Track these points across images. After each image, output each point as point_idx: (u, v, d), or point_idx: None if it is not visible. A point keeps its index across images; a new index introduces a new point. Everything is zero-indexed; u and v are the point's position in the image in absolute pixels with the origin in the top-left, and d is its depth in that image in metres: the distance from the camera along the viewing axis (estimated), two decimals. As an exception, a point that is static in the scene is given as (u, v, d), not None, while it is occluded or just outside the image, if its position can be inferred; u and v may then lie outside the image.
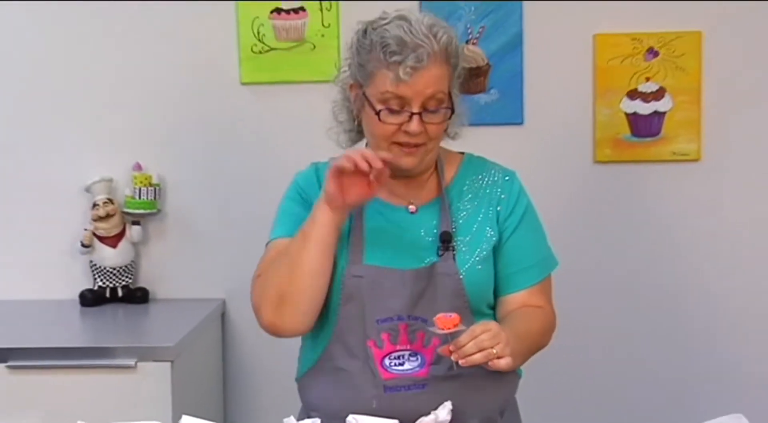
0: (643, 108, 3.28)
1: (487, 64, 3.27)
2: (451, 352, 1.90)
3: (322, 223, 2.03)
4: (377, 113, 2.06)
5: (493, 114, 3.26)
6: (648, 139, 3.30)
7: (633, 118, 3.29)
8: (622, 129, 3.30)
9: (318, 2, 3.27)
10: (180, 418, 2.04)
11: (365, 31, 2.10)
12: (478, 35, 3.26)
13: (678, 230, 3.34)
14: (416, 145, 2.09)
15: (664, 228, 3.34)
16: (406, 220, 2.18)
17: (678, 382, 3.35)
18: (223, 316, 3.38)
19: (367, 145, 2.21)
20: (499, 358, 1.90)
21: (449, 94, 2.09)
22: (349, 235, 2.15)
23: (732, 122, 3.29)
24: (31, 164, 3.36)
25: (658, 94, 3.28)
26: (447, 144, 2.24)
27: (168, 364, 2.81)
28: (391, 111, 2.06)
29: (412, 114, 2.05)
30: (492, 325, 1.94)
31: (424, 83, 2.03)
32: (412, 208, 2.19)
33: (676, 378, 3.35)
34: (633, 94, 3.28)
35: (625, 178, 3.33)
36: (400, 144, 2.09)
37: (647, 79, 3.28)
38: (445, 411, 1.99)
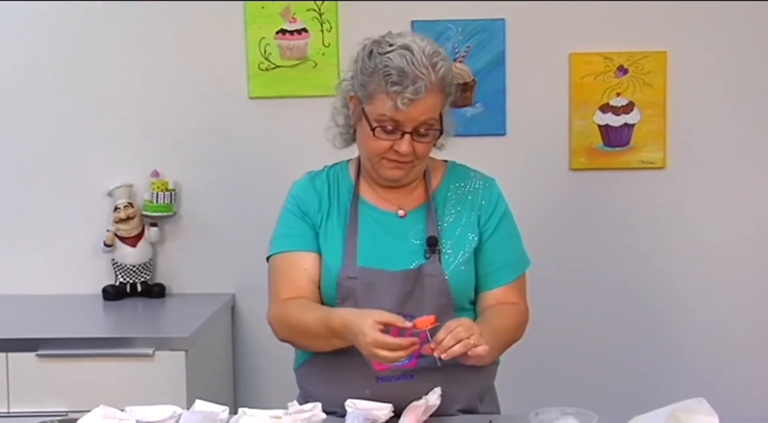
0: (614, 120, 3.29)
1: (473, 80, 3.27)
2: (432, 350, 1.90)
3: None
4: (372, 130, 2.06)
5: (479, 125, 3.26)
6: (618, 148, 3.30)
7: (605, 130, 3.30)
8: (595, 139, 3.30)
9: (319, 24, 3.27)
10: (194, 402, 2.04)
11: (371, 53, 2.07)
12: (464, 54, 3.27)
13: (645, 231, 3.34)
14: (404, 162, 2.09)
15: (632, 229, 3.34)
16: (396, 225, 2.17)
17: (643, 370, 3.36)
18: (233, 309, 3.38)
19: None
20: (475, 346, 1.90)
21: (440, 117, 2.09)
22: (344, 233, 2.15)
23: (694, 133, 3.30)
24: (59, 172, 3.35)
25: (628, 108, 3.28)
26: (433, 153, 2.22)
27: (183, 353, 2.81)
28: (385, 130, 2.06)
29: (404, 133, 2.05)
30: (465, 319, 1.96)
31: (419, 112, 2.03)
32: (401, 212, 2.18)
33: (641, 366, 3.36)
34: (605, 108, 3.29)
35: (598, 184, 3.33)
36: (389, 158, 2.09)
37: (618, 94, 3.28)
38: (435, 396, 2.00)
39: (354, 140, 2.22)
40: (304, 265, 2.16)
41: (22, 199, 3.37)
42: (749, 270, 3.35)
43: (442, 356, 1.90)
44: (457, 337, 1.89)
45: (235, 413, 2.01)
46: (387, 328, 1.97)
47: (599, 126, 3.30)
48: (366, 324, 1.88)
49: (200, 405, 2.03)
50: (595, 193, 3.34)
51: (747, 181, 3.32)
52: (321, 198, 2.20)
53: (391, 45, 2.05)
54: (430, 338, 1.92)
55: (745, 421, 1.99)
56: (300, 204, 2.20)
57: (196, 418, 1.96)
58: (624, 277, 3.35)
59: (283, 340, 2.17)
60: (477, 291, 2.21)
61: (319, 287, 2.16)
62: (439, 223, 2.16)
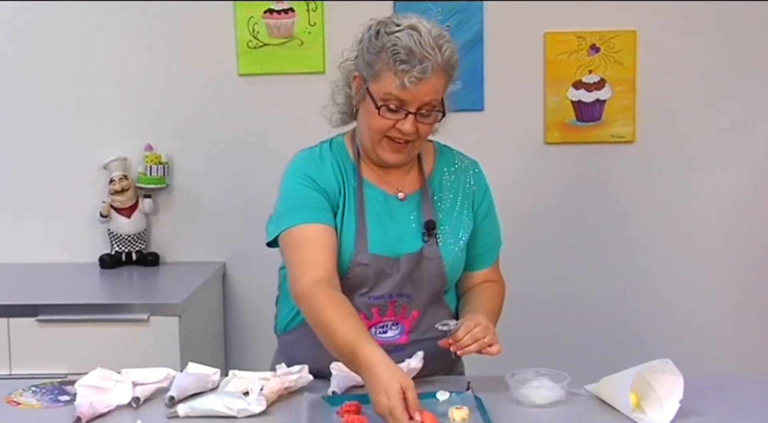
0: (587, 96, 3.29)
1: (453, 58, 3.25)
2: (449, 345, 1.94)
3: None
4: (378, 108, 1.99)
5: (458, 101, 3.18)
6: (590, 123, 3.30)
7: (578, 105, 3.30)
8: (568, 115, 3.30)
9: (305, 3, 3.25)
10: (187, 364, 2.05)
11: (377, 33, 2.00)
12: (444, 33, 3.25)
13: (614, 201, 3.36)
14: (406, 142, 2.03)
15: (603, 200, 3.36)
16: (397, 208, 2.12)
17: (612, 333, 3.38)
18: (224, 277, 3.37)
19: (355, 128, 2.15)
20: (489, 345, 1.93)
21: (443, 100, 2.04)
22: (354, 216, 2.08)
23: (662, 109, 3.31)
24: (57, 146, 3.34)
25: (599, 85, 3.28)
26: None
27: (176, 319, 2.81)
28: (390, 109, 1.99)
29: (408, 113, 1.99)
30: (481, 318, 1.97)
31: (425, 92, 1.97)
32: (401, 195, 2.12)
33: (610, 330, 3.38)
34: (578, 85, 3.29)
35: (571, 157, 3.34)
36: (390, 138, 2.03)
37: (590, 72, 3.28)
38: (416, 360, 2.01)
39: (352, 119, 2.15)
40: (326, 239, 2.03)
41: (21, 173, 3.36)
42: (711, 237, 3.37)
43: (458, 352, 1.94)
44: (474, 337, 1.93)
45: (226, 375, 2.02)
46: (385, 310, 2.03)
47: (572, 102, 3.30)
48: (393, 388, 1.72)
49: (193, 367, 2.03)
50: (568, 166, 3.34)
51: (710, 155, 3.33)
52: (336, 175, 2.10)
53: (398, 25, 1.98)
54: (449, 334, 1.96)
55: (706, 379, 2.00)
56: (313, 177, 2.08)
57: (188, 380, 1.97)
58: (594, 245, 3.37)
59: (313, 323, 1.96)
60: (464, 270, 2.20)
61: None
62: (436, 208, 2.13)
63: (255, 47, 3.29)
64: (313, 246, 2.00)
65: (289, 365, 2.00)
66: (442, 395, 1.91)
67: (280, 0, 3.26)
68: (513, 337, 3.28)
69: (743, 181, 3.34)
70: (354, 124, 2.16)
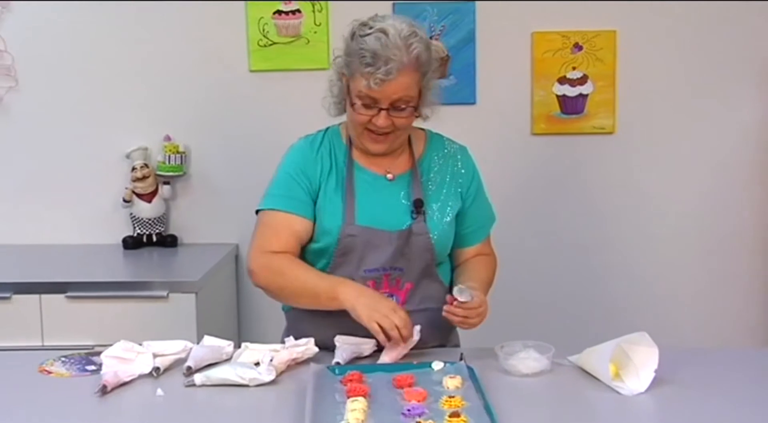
0: (571, 91, 3.28)
1: (447, 55, 3.25)
2: (453, 301, 1.99)
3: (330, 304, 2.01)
4: (352, 105, 2.03)
5: (452, 95, 3.25)
6: (574, 115, 3.30)
7: (562, 99, 3.29)
8: (553, 108, 3.29)
9: (311, 4, 3.24)
10: (203, 337, 2.05)
11: (353, 35, 2.01)
12: (439, 32, 3.25)
13: (595, 187, 3.36)
14: (386, 133, 2.04)
15: (585, 186, 3.36)
16: (386, 187, 2.12)
17: (593, 308, 3.38)
18: (237, 257, 3.37)
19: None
20: (472, 325, 2.01)
21: (420, 94, 2.03)
22: (342, 193, 2.09)
23: (640, 103, 3.30)
24: (84, 137, 3.34)
25: (582, 80, 3.28)
26: (416, 122, 2.18)
27: (193, 295, 2.82)
28: (364, 105, 2.01)
29: (380, 110, 2.00)
30: (482, 306, 2.02)
31: (392, 90, 1.97)
32: (390, 176, 2.13)
33: (592, 305, 3.39)
34: (562, 80, 3.28)
35: (556, 147, 3.33)
36: (370, 130, 2.04)
37: (574, 68, 3.27)
38: (415, 333, 2.00)
39: (345, 110, 2.15)
40: (296, 227, 2.08)
41: (52, 162, 3.35)
42: (684, 220, 3.37)
43: (455, 321, 2.01)
44: (466, 321, 1.99)
45: (239, 347, 2.02)
46: (380, 282, 2.06)
47: (557, 96, 3.29)
48: (390, 305, 1.96)
49: (208, 340, 2.04)
50: (553, 155, 3.34)
51: (684, 144, 3.33)
52: (323, 161, 2.12)
53: (371, 28, 1.98)
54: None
55: (679, 350, 2.01)
56: (302, 167, 2.11)
57: (204, 352, 1.97)
58: (577, 227, 3.37)
59: (263, 287, 2.10)
60: (458, 246, 2.21)
61: (304, 249, 2.12)
62: (424, 188, 2.13)
63: (265, 46, 3.28)
64: (282, 228, 2.08)
65: (296, 338, 2.01)
66: (437, 365, 1.91)
67: (289, 1, 3.25)
68: (502, 313, 3.30)
69: (714, 168, 3.34)
70: None
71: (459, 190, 2.17)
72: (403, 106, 2.01)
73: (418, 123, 2.20)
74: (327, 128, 2.20)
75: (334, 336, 2.00)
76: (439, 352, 2.07)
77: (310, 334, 2.03)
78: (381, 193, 2.12)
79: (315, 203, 2.10)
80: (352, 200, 2.08)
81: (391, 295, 2.09)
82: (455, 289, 1.99)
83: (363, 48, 1.96)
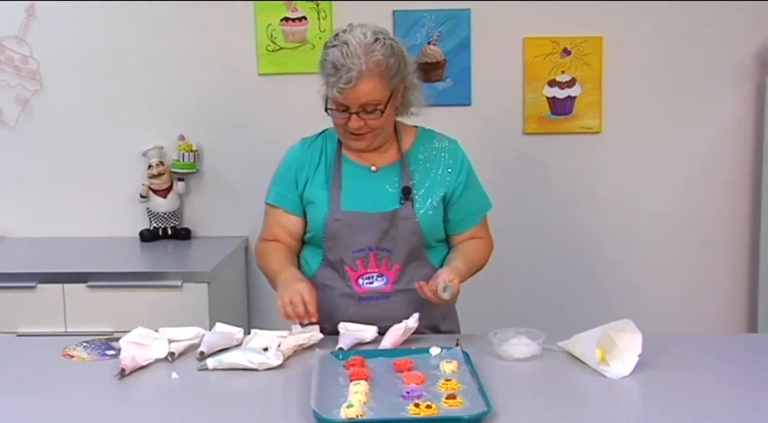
0: (560, 93, 3.28)
1: (444, 59, 3.25)
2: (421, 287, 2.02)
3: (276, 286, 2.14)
4: (330, 110, 2.08)
5: (449, 97, 3.25)
6: (563, 116, 3.29)
7: (552, 101, 3.28)
8: (544, 109, 3.29)
9: (316, 13, 3.24)
10: (214, 324, 2.05)
11: (325, 46, 2.07)
12: (437, 38, 3.24)
13: (583, 182, 3.35)
14: (363, 133, 2.08)
15: (573, 182, 3.35)
16: (370, 177, 2.16)
17: (581, 297, 3.38)
18: (246, 249, 3.36)
19: None
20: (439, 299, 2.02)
21: (390, 97, 2.05)
22: (329, 185, 2.14)
23: (625, 104, 3.29)
24: (103, 137, 3.33)
25: (571, 83, 3.27)
26: (405, 120, 2.22)
27: (205, 285, 2.82)
28: (338, 110, 2.06)
29: (351, 114, 2.04)
30: (447, 274, 2.04)
31: (356, 96, 2.01)
32: (373, 168, 2.17)
33: (579, 294, 3.38)
34: (552, 83, 3.27)
35: (546, 145, 3.33)
36: (349, 131, 2.09)
37: (563, 72, 3.26)
38: (413, 320, 2.01)
39: None
40: (284, 221, 2.20)
41: (74, 160, 3.35)
42: (667, 214, 3.36)
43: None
44: (437, 295, 2.00)
45: (249, 334, 2.02)
46: (367, 262, 2.09)
47: (547, 98, 3.28)
48: (295, 288, 2.02)
49: (220, 327, 2.04)
50: (543, 153, 3.33)
51: (666, 142, 3.32)
52: (312, 157, 2.19)
53: (335, 40, 2.04)
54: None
55: (661, 336, 2.01)
56: (292, 166, 2.21)
57: (216, 338, 1.97)
58: (566, 220, 3.36)
59: (260, 269, 2.27)
60: (452, 232, 2.22)
61: (296, 238, 2.22)
62: (412, 177, 2.15)
63: (273, 50, 3.27)
64: (274, 222, 2.23)
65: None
66: (434, 350, 1.91)
67: (295, 9, 3.25)
68: (496, 301, 3.32)
69: (694, 165, 3.33)
70: None
71: (447, 179, 2.18)
72: (372, 109, 2.04)
73: (410, 120, 2.22)
74: (325, 129, 2.25)
75: (335, 316, 2.05)
76: (437, 338, 2.07)
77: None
78: (366, 182, 2.15)
79: (302, 199, 2.19)
80: (338, 190, 2.14)
81: (381, 275, 2.11)
82: (440, 286, 2.00)
83: (326, 59, 2.03)
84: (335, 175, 2.15)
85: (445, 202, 2.17)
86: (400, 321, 2.00)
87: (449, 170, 2.18)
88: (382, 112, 2.06)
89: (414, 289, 2.05)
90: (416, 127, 2.25)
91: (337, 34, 2.05)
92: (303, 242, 2.23)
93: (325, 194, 2.14)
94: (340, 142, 2.19)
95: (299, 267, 2.21)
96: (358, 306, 2.10)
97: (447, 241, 2.24)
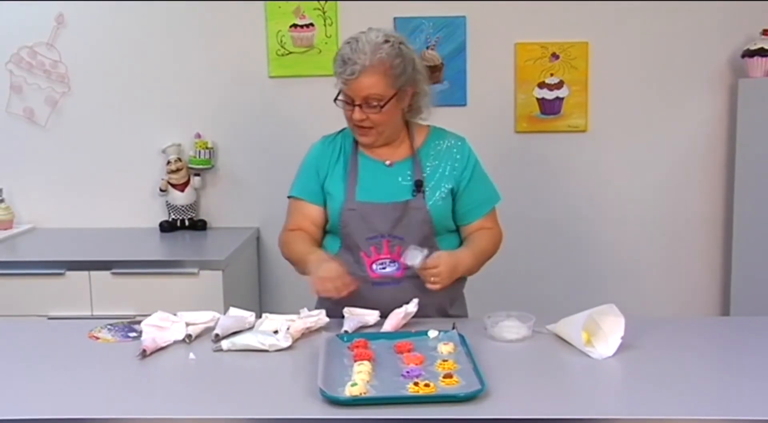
0: (549, 94, 3.26)
1: (441, 63, 3.24)
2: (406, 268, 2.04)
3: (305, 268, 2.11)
4: (335, 101, 2.10)
5: (446, 98, 3.23)
6: (552, 116, 3.28)
7: (542, 102, 3.27)
8: (534, 109, 3.27)
9: (323, 20, 3.22)
10: (228, 309, 2.05)
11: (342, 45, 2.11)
12: (434, 43, 3.23)
13: (570, 177, 3.34)
14: (368, 127, 2.10)
15: (562, 177, 3.34)
16: (385, 171, 2.17)
17: (569, 284, 3.38)
18: (258, 238, 3.37)
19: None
20: (433, 283, 2.02)
21: (394, 94, 2.06)
22: (345, 177, 2.15)
23: (609, 105, 3.28)
24: (126, 135, 3.33)
25: (559, 85, 3.25)
26: (417, 120, 2.22)
27: (220, 272, 2.81)
28: (345, 102, 2.09)
29: (355, 106, 2.06)
30: (443, 261, 2.04)
31: (359, 88, 2.04)
32: (388, 162, 2.18)
33: (568, 281, 3.38)
34: (542, 85, 3.26)
35: (536, 143, 3.32)
36: (356, 125, 2.11)
37: (551, 75, 3.25)
38: (412, 305, 2.00)
39: None
40: (308, 211, 2.20)
41: (99, 157, 3.35)
42: (648, 206, 3.35)
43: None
44: (431, 273, 2.01)
45: (260, 317, 2.02)
46: (380, 248, 2.09)
47: (537, 99, 3.27)
48: (334, 267, 2.02)
49: (233, 311, 2.03)
50: (534, 150, 3.32)
51: (647, 141, 3.31)
52: (332, 153, 2.20)
53: (351, 38, 2.08)
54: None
55: (643, 320, 2.00)
56: (314, 162, 2.21)
57: (230, 321, 1.97)
58: (555, 213, 3.36)
59: (285, 257, 2.23)
60: (461, 223, 2.22)
61: (318, 227, 2.21)
62: (423, 170, 2.16)
63: (282, 55, 3.26)
64: (299, 213, 2.21)
65: (319, 304, 2.10)
66: (432, 333, 1.90)
67: (303, 16, 3.23)
68: (490, 287, 3.31)
69: (672, 161, 3.32)
70: None
71: (454, 173, 2.18)
72: (374, 104, 2.06)
73: (423, 121, 2.23)
74: (344, 128, 2.25)
75: (351, 300, 2.04)
76: (434, 322, 2.06)
77: (327, 300, 2.08)
78: (380, 175, 2.16)
79: (323, 191, 2.18)
80: (354, 182, 2.15)
81: (393, 262, 2.11)
82: (404, 255, 2.03)
83: (340, 52, 2.07)
84: (352, 169, 2.16)
85: (453, 194, 2.18)
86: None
87: (457, 165, 2.19)
88: (382, 107, 2.07)
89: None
90: (428, 126, 2.26)
91: (354, 36, 2.09)
92: (324, 232, 2.23)
93: (342, 186, 2.15)
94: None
95: None
96: (372, 290, 2.10)
97: (457, 232, 2.24)
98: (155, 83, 3.30)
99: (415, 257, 2.02)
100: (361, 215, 2.11)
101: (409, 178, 2.16)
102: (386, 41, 2.05)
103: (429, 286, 2.02)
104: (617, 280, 3.37)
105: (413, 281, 2.07)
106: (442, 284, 2.03)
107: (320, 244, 2.21)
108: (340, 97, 2.10)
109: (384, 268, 2.11)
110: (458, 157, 2.20)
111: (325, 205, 2.19)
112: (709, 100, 3.28)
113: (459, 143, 2.23)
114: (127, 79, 3.30)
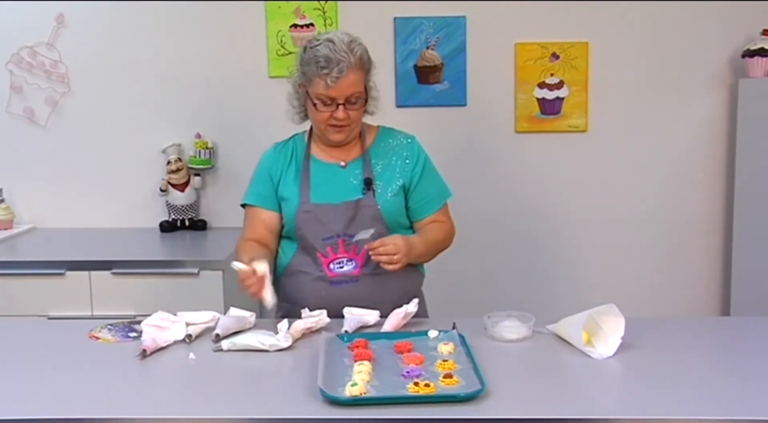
0: (549, 94, 3.26)
1: (441, 63, 3.24)
2: (366, 250, 2.06)
3: None
4: (314, 105, 2.11)
5: (446, 98, 3.23)
6: (552, 116, 3.28)
7: (542, 102, 3.27)
8: (534, 109, 3.27)
9: (323, 20, 3.22)
10: (229, 309, 2.04)
11: (305, 49, 2.12)
12: (435, 43, 3.23)
13: (570, 176, 3.34)
14: (343, 125, 2.13)
15: (561, 176, 3.34)
16: (339, 172, 2.20)
17: (568, 283, 3.38)
18: (259, 238, 3.37)
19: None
20: (393, 262, 2.03)
21: (366, 89, 2.12)
22: (298, 181, 2.18)
23: (609, 105, 3.29)
24: (126, 135, 3.33)
25: (559, 85, 3.26)
26: (366, 118, 2.24)
27: (220, 272, 2.81)
28: (324, 104, 2.10)
29: (338, 105, 2.08)
30: (399, 239, 2.06)
31: (346, 86, 2.07)
32: (342, 163, 2.21)
33: (567, 280, 3.38)
34: (542, 85, 3.26)
35: (537, 143, 3.32)
36: (331, 125, 2.12)
37: (552, 75, 3.25)
38: (412, 305, 2.00)
39: (307, 117, 2.23)
40: (263, 217, 2.22)
41: (99, 157, 3.35)
42: (647, 206, 3.36)
43: (372, 256, 2.04)
44: (386, 250, 2.02)
45: (260, 318, 2.02)
46: (336, 248, 2.12)
47: (537, 99, 3.27)
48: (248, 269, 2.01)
49: (233, 311, 2.03)
50: (534, 150, 3.32)
51: (647, 141, 3.31)
52: (284, 159, 2.24)
53: (318, 40, 2.10)
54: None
55: (643, 320, 2.00)
56: (267, 169, 2.24)
57: (230, 321, 1.97)
58: (555, 212, 3.36)
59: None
60: (414, 219, 2.25)
61: (273, 233, 2.22)
62: (373, 169, 2.20)
63: (282, 55, 3.26)
64: (253, 220, 2.23)
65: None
66: (432, 333, 1.90)
67: (303, 16, 3.23)
68: (490, 287, 3.31)
69: (672, 161, 3.32)
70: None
71: (405, 170, 2.21)
72: (355, 100, 2.10)
73: (367, 119, 2.25)
74: (294, 135, 2.31)
75: (310, 298, 2.09)
76: (434, 322, 2.06)
77: (292, 298, 2.17)
78: (333, 177, 2.19)
79: (277, 196, 2.22)
80: (307, 185, 2.18)
81: (350, 260, 2.14)
82: (358, 238, 2.08)
83: (317, 55, 2.07)
84: (305, 173, 2.19)
85: (405, 190, 2.21)
86: (366, 305, 2.02)
87: (407, 161, 2.22)
88: (365, 102, 2.13)
89: (382, 273, 2.09)
90: (378, 126, 2.30)
91: (316, 38, 2.11)
92: (280, 237, 2.25)
93: (296, 190, 2.18)
94: (308, 144, 2.24)
95: (276, 258, 2.24)
96: (330, 289, 2.12)
97: (411, 229, 2.26)
98: (155, 83, 3.30)
99: (366, 233, 2.07)
100: (316, 217, 2.14)
101: (360, 177, 2.18)
102: (354, 40, 2.10)
103: (385, 266, 2.04)
104: (617, 280, 3.37)
105: (371, 278, 2.11)
106: (400, 263, 2.04)
107: (275, 251, 2.23)
108: (315, 102, 2.11)
109: (341, 267, 2.14)
110: (407, 154, 2.23)
111: (279, 211, 2.21)
112: (709, 100, 3.28)
113: (408, 141, 2.26)
114: (127, 79, 3.30)
